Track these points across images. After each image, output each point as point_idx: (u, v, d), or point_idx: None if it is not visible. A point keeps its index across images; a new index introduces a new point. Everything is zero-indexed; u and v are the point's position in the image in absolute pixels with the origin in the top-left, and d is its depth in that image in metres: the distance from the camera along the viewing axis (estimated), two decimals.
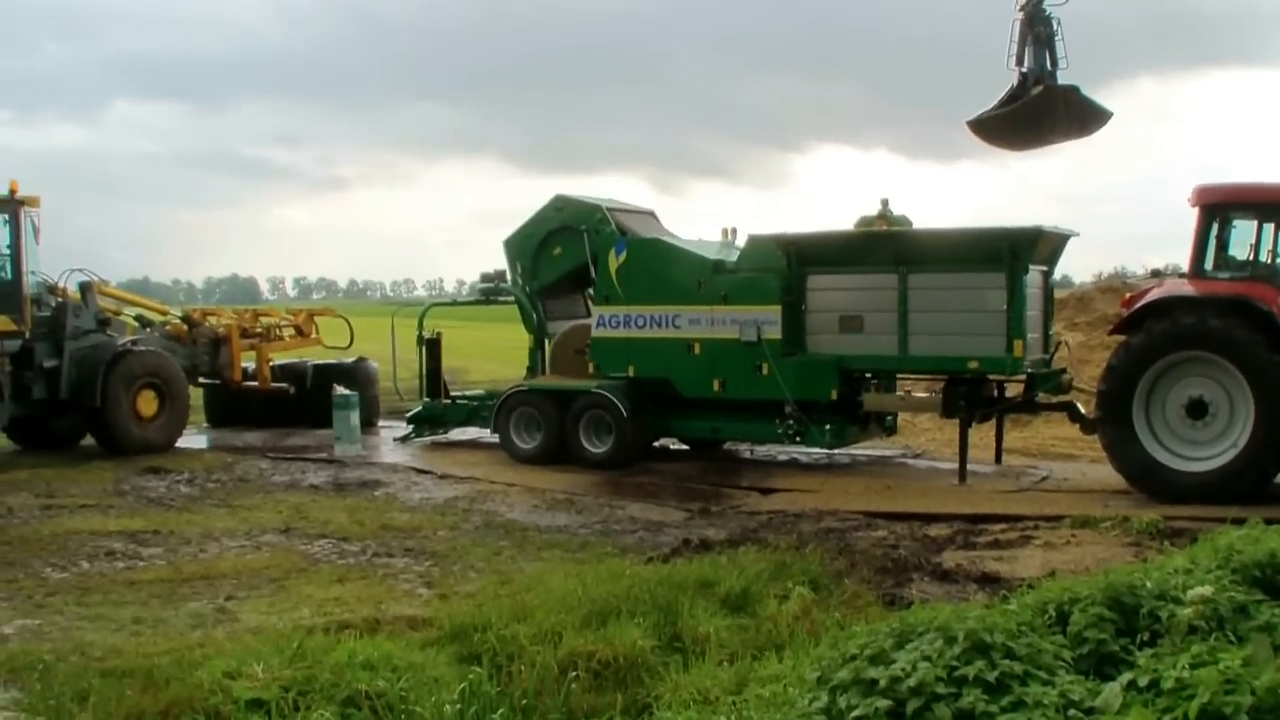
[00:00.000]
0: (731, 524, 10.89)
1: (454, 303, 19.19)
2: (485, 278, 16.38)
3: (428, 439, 17.17)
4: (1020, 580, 7.73)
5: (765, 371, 13.59)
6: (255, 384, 18.64)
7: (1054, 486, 12.48)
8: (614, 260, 14.66)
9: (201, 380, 18.07)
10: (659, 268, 14.39)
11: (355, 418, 16.20)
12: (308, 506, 12.11)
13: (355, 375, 19.06)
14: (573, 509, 11.90)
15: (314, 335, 19.77)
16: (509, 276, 15.77)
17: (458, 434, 17.38)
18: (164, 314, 19.18)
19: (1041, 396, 13.12)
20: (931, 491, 12.32)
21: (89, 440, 16.54)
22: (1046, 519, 10.51)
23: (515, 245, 15.67)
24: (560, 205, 15.19)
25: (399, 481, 13.76)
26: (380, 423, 19.61)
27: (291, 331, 19.59)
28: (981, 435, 14.03)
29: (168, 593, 8.46)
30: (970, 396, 12.88)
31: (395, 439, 17.34)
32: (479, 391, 17.66)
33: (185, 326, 18.49)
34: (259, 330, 19.31)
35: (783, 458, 15.30)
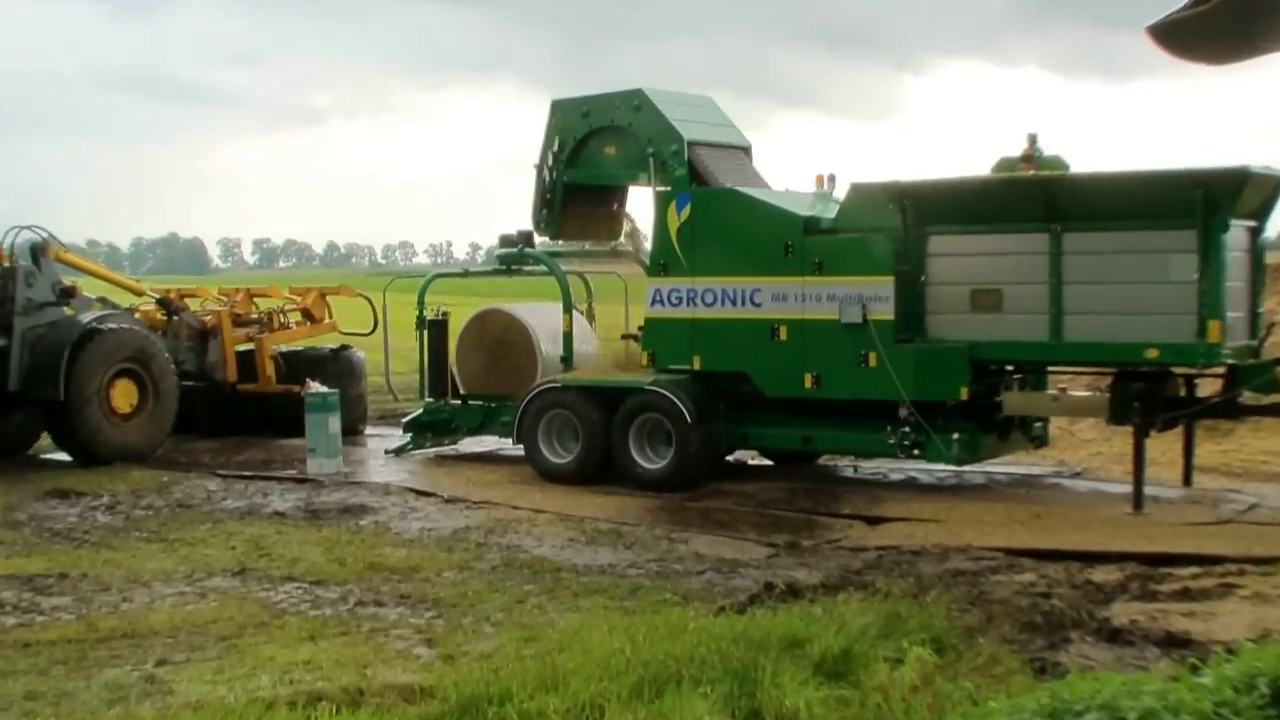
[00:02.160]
0: (828, 563, 11.02)
1: (465, 273, 19.18)
2: (505, 241, 16.66)
3: (430, 451, 17.51)
4: (1218, 644, 7.74)
5: (873, 363, 13.70)
6: (256, 386, 19.16)
7: (1266, 518, 12.43)
8: (674, 216, 14.80)
9: (185, 383, 18.47)
10: (734, 227, 14.56)
11: (334, 423, 16.39)
12: (270, 540, 12.26)
13: (334, 367, 19.41)
14: (620, 543, 12.03)
15: (327, 320, 20.48)
16: (541, 153, 15.89)
17: (469, 445, 17.74)
18: (138, 292, 19.59)
19: (1247, 397, 13.12)
20: (1096, 523, 12.33)
21: (47, 443, 17.23)
22: (1255, 561, 10.49)
23: (566, 114, 15.82)
24: (638, 104, 15.33)
25: (392, 507, 13.94)
26: (367, 430, 20.11)
27: (298, 317, 20.27)
28: (1164, 448, 14.11)
29: (77, 657, 8.42)
30: (1148, 397, 12.79)
31: (387, 451, 17.65)
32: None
33: (161, 313, 18.91)
34: (256, 317, 19.89)
35: (896, 476, 15.43)
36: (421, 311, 17.10)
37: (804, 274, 14.07)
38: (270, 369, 19.29)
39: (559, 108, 15.92)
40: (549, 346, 16.52)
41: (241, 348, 19.55)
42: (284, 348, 19.96)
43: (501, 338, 16.83)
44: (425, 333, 17.08)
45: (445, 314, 17.16)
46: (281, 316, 20.13)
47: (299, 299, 20.58)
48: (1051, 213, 12.95)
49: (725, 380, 14.83)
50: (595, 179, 16.01)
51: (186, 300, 19.63)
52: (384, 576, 10.69)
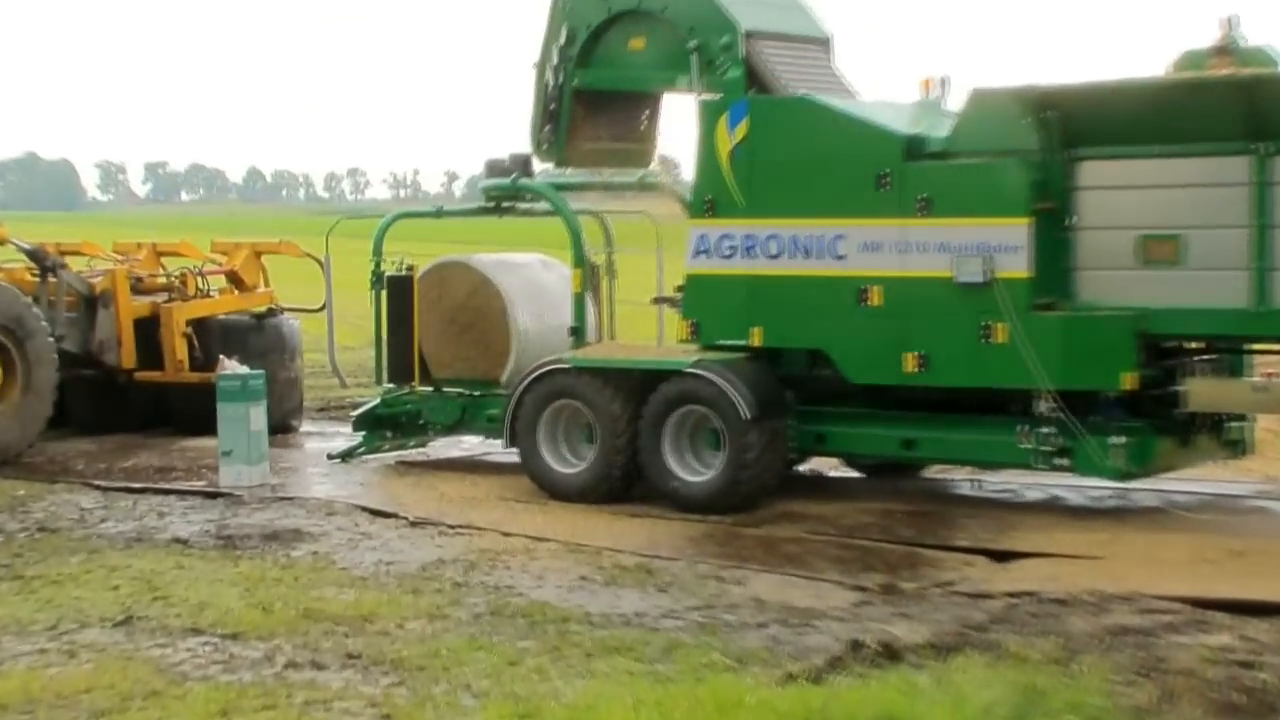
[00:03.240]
0: (939, 614, 11.02)
1: (439, 212, 19.03)
2: (494, 169, 16.80)
3: (389, 455, 17.70)
4: None
5: (1000, 338, 13.75)
6: (162, 375, 19.53)
7: None
8: (725, 135, 14.85)
9: (66, 370, 18.70)
10: (808, 150, 14.63)
11: (258, 417, 16.46)
12: (167, 578, 12.27)
13: (258, 340, 19.72)
14: (650, 583, 12.06)
15: (261, 287, 20.78)
16: (542, 49, 16.14)
17: (443, 447, 17.94)
18: None
19: None
20: None
21: None
22: None
23: None
24: None
25: (337, 533, 14.00)
26: (304, 425, 20.32)
27: (222, 283, 20.67)
28: None
29: None
30: None
31: (331, 456, 17.81)
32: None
33: (32, 271, 19.21)
34: (164, 281, 20.23)
35: (1033, 495, 15.51)
36: (379, 265, 17.22)
37: (905, 215, 14.14)
38: (181, 350, 19.54)
39: None
40: (528, 315, 16.82)
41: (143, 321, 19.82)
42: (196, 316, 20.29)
43: (465, 302, 17.18)
44: (383, 294, 17.23)
45: (411, 269, 17.25)
46: (200, 281, 20.40)
47: (223, 259, 20.86)
48: (1256, 127, 12.93)
49: (796, 361, 14.95)
50: (617, 83, 16.19)
51: (65, 254, 19.93)
52: (325, 628, 10.69)
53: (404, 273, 17.22)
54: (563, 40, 16.09)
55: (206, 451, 17.39)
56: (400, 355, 17.16)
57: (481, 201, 17.20)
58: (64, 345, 18.68)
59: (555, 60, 16.19)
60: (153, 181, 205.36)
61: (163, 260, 20.82)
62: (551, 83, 16.26)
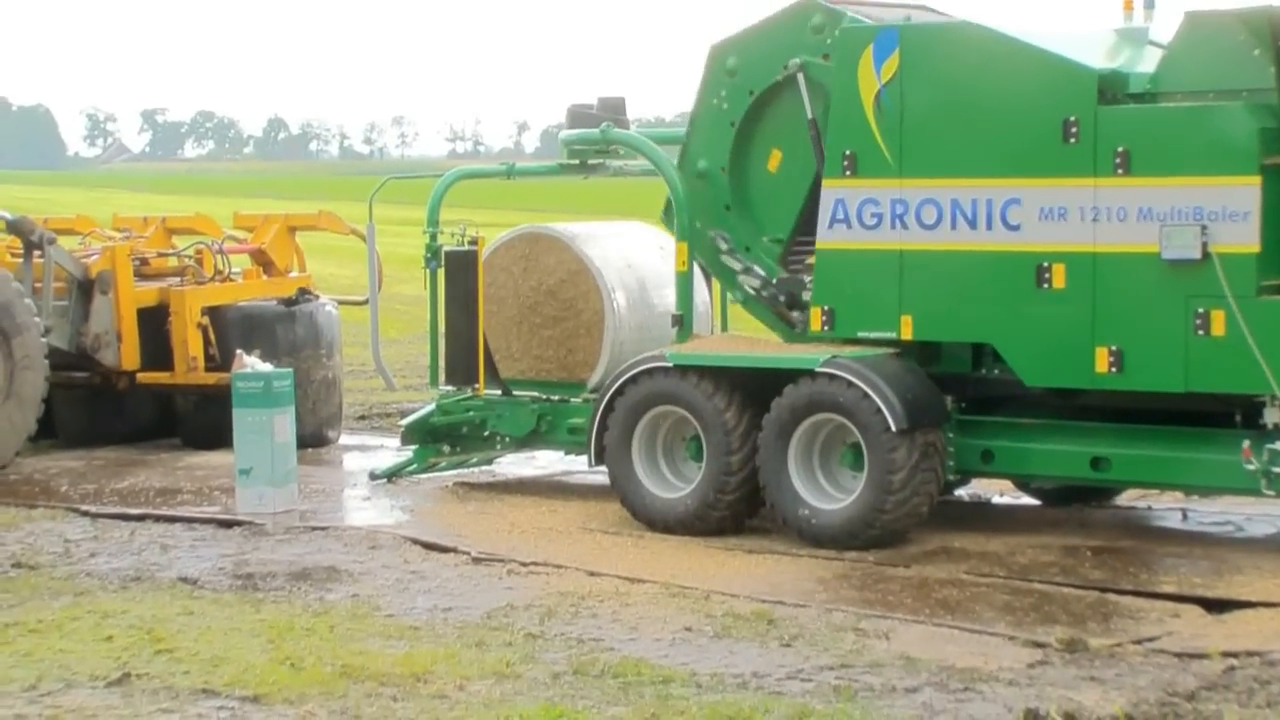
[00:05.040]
0: (1138, 678, 10.96)
1: (509, 171, 18.98)
2: (579, 118, 17.03)
3: (447, 475, 17.91)
4: None
5: (1218, 329, 13.73)
6: (171, 377, 19.72)
7: None
8: (869, 72, 14.96)
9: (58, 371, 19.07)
10: (973, 92, 14.73)
11: (284, 427, 16.62)
12: (172, 626, 12.30)
13: (287, 331, 20.04)
14: (772, 636, 12.07)
15: (294, 269, 21.27)
16: (689, 142, 16.37)
17: (514, 465, 18.31)
18: None
19: None
20: None
21: None
22: None
23: (740, 69, 16.20)
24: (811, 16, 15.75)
25: (382, 571, 14.14)
26: (342, 437, 20.64)
27: (247, 263, 21.03)
28: None
29: None
30: None
31: (374, 475, 17.98)
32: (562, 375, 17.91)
33: (13, 249, 19.54)
34: (176, 262, 20.70)
35: (1260, 529, 15.50)
36: (435, 237, 17.36)
37: (1098, 173, 14.15)
38: (196, 346, 19.71)
39: (725, 52, 16.37)
40: (628, 302, 17.04)
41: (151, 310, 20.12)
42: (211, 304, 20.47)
43: (553, 286, 17.34)
44: (440, 274, 17.38)
45: (476, 242, 17.36)
46: (220, 260, 20.60)
47: (244, 236, 21.27)
48: None
49: (956, 358, 15.06)
50: (779, 198, 16.32)
51: (53, 229, 20.17)
52: (367, 690, 10.70)
53: (467, 247, 17.31)
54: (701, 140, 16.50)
55: (221, 470, 17.54)
56: (462, 350, 17.28)
57: (562, 158, 17.33)
58: (51, 340, 18.94)
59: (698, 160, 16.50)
60: (150, 132, 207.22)
61: (174, 237, 21.27)
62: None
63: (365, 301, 19.69)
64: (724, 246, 16.10)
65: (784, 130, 16.07)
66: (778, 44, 15.95)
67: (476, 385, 17.33)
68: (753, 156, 16.35)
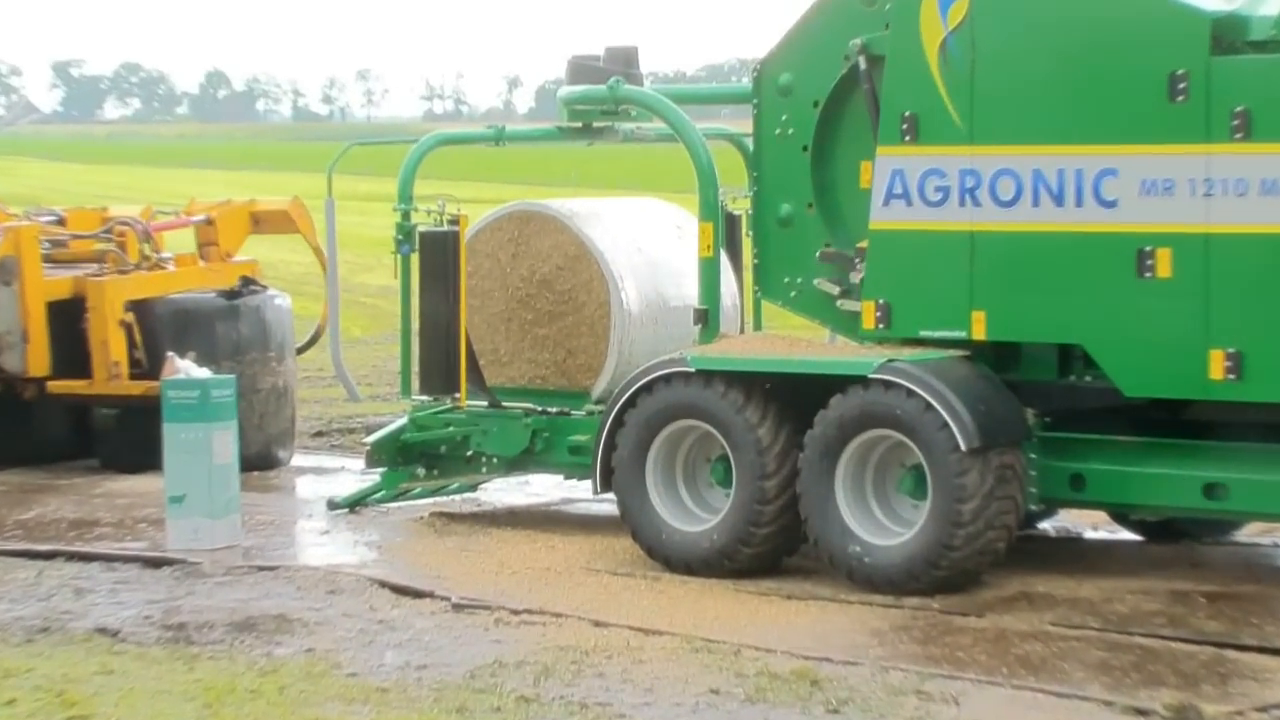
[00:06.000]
0: None
1: (496, 136, 18.90)
2: (582, 71, 17.07)
3: (422, 503, 17.99)
4: None
5: None
6: (87, 386, 19.93)
7: None
8: (934, 19, 14.93)
9: None
10: (1058, 40, 14.68)
11: (224, 445, 16.56)
12: (88, 688, 12.24)
13: (228, 327, 20.13)
14: (816, 699, 12.00)
15: (232, 260, 21.13)
16: (760, 191, 16.38)
17: (503, 491, 18.55)
18: None
19: None
20: None
21: None
22: None
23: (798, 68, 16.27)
24: None
25: (343, 621, 13.99)
26: (295, 458, 20.95)
27: (183, 246, 21.45)
28: None
29: None
30: None
31: (334, 504, 18.01)
32: (559, 383, 17.87)
33: None
34: (99, 247, 20.75)
35: None
36: (407, 215, 17.37)
37: (1211, 138, 14.03)
38: (118, 347, 19.68)
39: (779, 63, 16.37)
40: (639, 296, 16.97)
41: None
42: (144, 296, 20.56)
43: (548, 276, 17.30)
44: (414, 260, 17.48)
45: (456, 221, 17.25)
46: (147, 245, 20.57)
47: (179, 212, 21.61)
48: None
49: (1039, 363, 14.97)
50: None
51: None
52: None
53: (446, 227, 17.23)
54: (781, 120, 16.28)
55: (148, 497, 17.57)
56: (439, 353, 17.21)
57: (562, 120, 17.30)
58: None
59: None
60: (64, 89, 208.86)
61: (101, 220, 21.26)
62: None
63: (312, 341, 20.04)
64: (836, 291, 15.90)
65: (866, 136, 15.95)
66: (829, 34, 15.99)
67: (457, 395, 17.25)
68: (839, 178, 16.25)
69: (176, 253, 21.02)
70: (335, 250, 18.64)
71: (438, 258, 17.17)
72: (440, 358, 17.19)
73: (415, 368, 17.60)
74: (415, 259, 17.43)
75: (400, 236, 17.39)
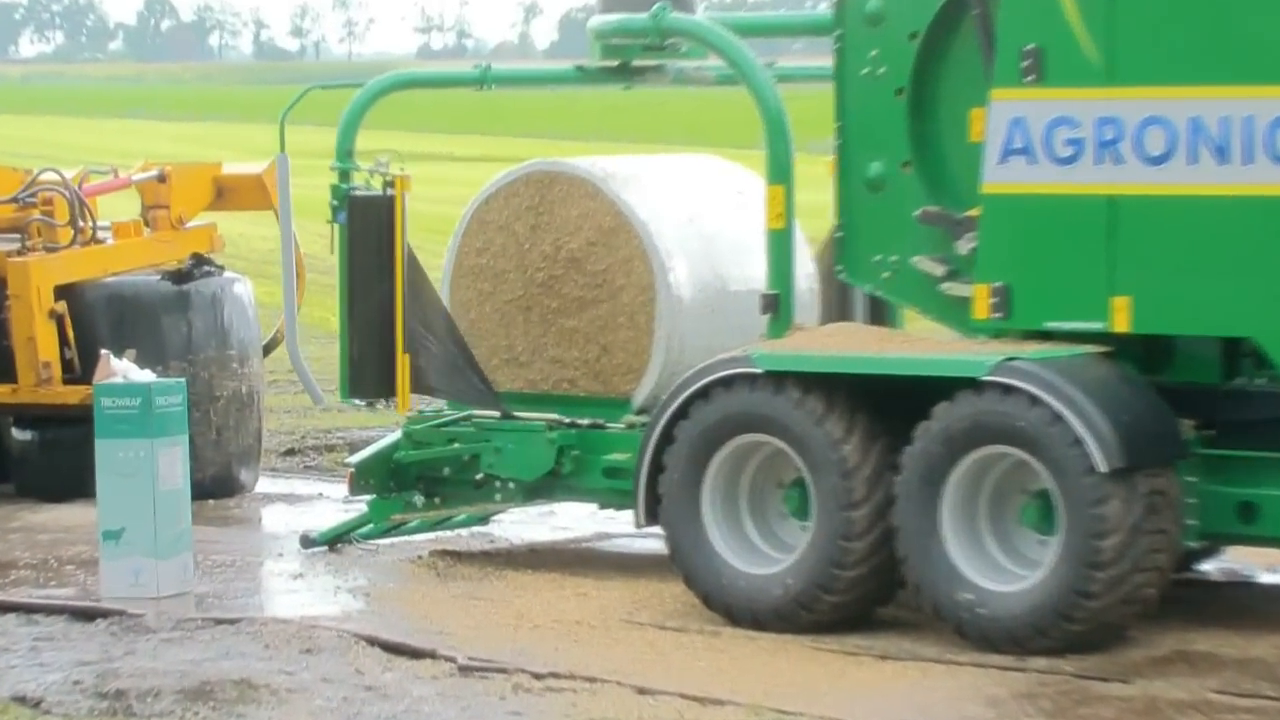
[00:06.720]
0: None
1: (480, 77, 18.63)
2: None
3: (418, 538, 17.81)
4: None
5: None
6: (10, 391, 19.90)
7: None
8: None
9: None
10: None
11: (174, 467, 16.29)
12: None
13: (179, 319, 19.99)
14: None
15: (185, 227, 21.00)
16: (843, 145, 16.09)
17: (520, 523, 18.49)
18: None
19: None
20: None
21: None
22: None
23: None
24: None
25: (323, 686, 13.57)
26: (261, 482, 20.91)
27: (134, 218, 20.95)
28: None
29: None
30: None
31: (308, 540, 17.82)
32: (595, 388, 17.45)
33: None
34: (18, 215, 20.55)
35: None
36: (345, 175, 17.22)
37: None
38: (47, 344, 19.46)
39: None
40: (691, 279, 16.55)
41: None
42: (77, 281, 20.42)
43: (576, 254, 16.82)
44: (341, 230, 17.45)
45: (393, 183, 17.17)
46: (81, 212, 20.16)
47: (114, 172, 21.30)
48: None
49: (1199, 362, 14.51)
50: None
51: None
52: None
53: (383, 191, 17.19)
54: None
55: (77, 532, 17.50)
56: (370, 345, 17.18)
57: (593, 56, 16.90)
58: None
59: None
60: None
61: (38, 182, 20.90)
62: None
63: (275, 342, 20.61)
64: (940, 271, 15.39)
65: (978, 76, 15.46)
66: None
67: (393, 399, 17.28)
68: (942, 130, 15.87)
69: (113, 220, 20.43)
70: (289, 218, 18.21)
71: (370, 228, 17.05)
72: (373, 351, 17.13)
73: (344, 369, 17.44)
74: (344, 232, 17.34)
75: (335, 202, 17.12)
